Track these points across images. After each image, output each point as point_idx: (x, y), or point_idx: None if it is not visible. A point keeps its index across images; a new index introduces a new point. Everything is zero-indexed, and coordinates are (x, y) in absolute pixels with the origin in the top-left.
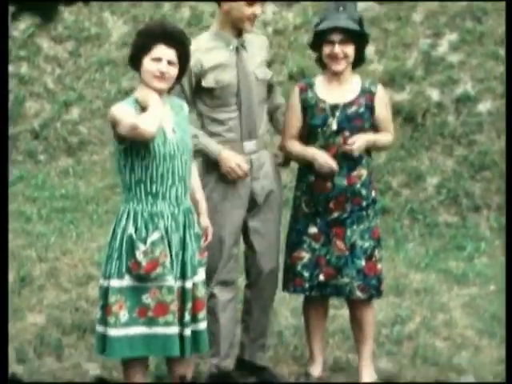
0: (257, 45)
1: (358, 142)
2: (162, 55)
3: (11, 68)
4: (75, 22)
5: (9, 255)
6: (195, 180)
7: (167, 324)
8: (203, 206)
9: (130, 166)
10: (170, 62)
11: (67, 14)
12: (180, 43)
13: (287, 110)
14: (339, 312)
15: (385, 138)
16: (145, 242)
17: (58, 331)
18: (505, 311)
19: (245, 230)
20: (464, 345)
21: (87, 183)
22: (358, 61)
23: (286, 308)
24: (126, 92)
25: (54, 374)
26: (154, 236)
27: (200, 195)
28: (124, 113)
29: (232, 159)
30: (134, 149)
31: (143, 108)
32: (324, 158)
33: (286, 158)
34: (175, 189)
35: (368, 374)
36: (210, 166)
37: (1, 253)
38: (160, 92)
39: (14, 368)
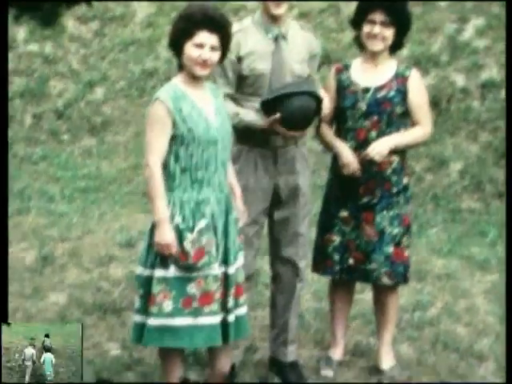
0: (301, 38)
1: (378, 147)
2: (205, 41)
3: (36, 47)
4: (100, 2)
5: (31, 234)
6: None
7: (212, 313)
8: (238, 189)
9: (175, 155)
10: (212, 48)
11: None
12: (222, 28)
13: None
14: (360, 296)
15: (413, 135)
16: (192, 231)
17: (79, 311)
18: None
19: (271, 224)
20: (485, 331)
21: (110, 163)
22: (397, 45)
23: (308, 291)
24: (150, 73)
25: None
26: (201, 224)
27: (234, 179)
28: (154, 140)
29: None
30: (178, 137)
31: None
32: (350, 160)
33: None
34: (218, 174)
35: (387, 359)
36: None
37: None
38: (201, 78)
39: None
